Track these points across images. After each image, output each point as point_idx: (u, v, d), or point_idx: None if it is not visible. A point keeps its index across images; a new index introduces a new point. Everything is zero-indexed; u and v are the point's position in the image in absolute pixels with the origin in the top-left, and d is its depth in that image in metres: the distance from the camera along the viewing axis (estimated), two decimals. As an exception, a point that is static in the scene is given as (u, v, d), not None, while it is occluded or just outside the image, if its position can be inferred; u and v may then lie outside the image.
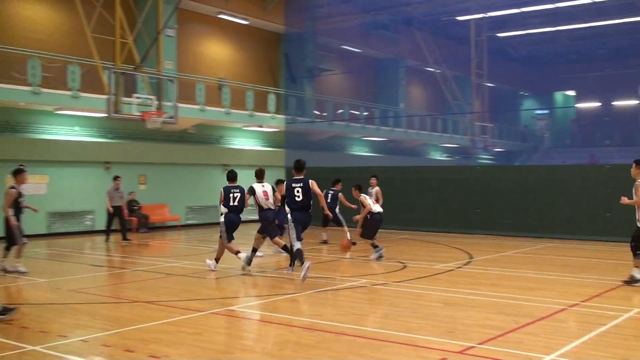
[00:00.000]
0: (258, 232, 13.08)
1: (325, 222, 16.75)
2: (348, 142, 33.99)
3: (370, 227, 14.24)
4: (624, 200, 10.70)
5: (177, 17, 24.04)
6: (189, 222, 24.82)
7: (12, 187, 12.08)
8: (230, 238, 12.37)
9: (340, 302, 9.60)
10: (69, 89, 19.88)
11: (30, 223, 19.71)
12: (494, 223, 20.01)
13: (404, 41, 36.24)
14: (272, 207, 12.89)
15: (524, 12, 34.85)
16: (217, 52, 28.44)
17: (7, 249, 12.29)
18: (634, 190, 10.46)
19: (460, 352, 6.57)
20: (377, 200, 15.93)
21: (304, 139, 29.66)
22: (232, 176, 12.61)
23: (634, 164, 10.57)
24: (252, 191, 12.61)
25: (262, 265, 13.49)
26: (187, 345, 6.98)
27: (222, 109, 24.91)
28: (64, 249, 17.10)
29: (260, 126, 26.76)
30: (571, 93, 51.85)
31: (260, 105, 26.62)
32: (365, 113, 33.85)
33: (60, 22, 22.38)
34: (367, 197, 14.80)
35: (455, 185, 21.29)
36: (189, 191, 24.79)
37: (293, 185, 11.43)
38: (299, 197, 11.30)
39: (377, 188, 17.30)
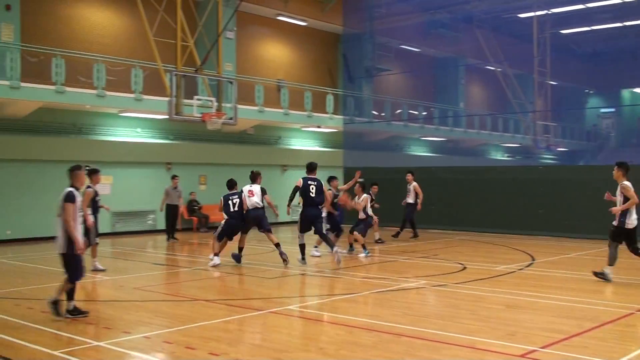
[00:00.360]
0: (242, 232, 13.48)
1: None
2: (406, 142, 33.73)
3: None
4: (611, 201, 11.14)
5: (236, 20, 24.34)
6: (248, 222, 25.07)
7: (89, 187, 12.41)
8: (221, 238, 13.25)
9: (399, 303, 9.52)
10: (132, 92, 20.39)
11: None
12: (557, 224, 19.52)
13: (464, 39, 35.71)
14: (259, 206, 13.37)
15: (588, 7, 33.86)
16: (276, 54, 28.66)
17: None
18: (618, 192, 10.87)
19: (522, 356, 6.43)
20: (416, 196, 16.46)
21: (362, 139, 29.59)
22: (231, 184, 13.79)
23: (615, 167, 10.89)
24: (241, 194, 13.46)
25: (320, 265, 13.52)
26: (246, 343, 7.05)
27: (281, 110, 25.09)
28: (127, 247, 17.53)
29: (319, 127, 26.83)
30: (639, 90, 50.10)
31: (319, 105, 26.70)
32: (424, 113, 33.52)
33: (124, 26, 22.98)
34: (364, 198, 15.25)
35: (517, 185, 20.86)
36: (248, 192, 25.04)
37: (309, 182, 13.06)
38: (312, 193, 12.93)
39: (414, 184, 17.58)
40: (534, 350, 6.61)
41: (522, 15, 36.00)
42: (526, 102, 40.09)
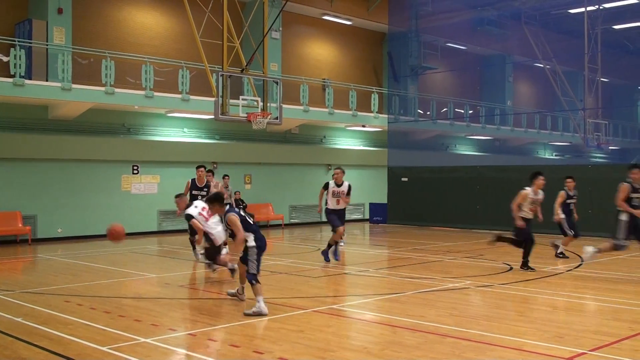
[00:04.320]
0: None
1: None
2: (452, 141, 33.38)
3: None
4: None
5: (282, 20, 24.47)
6: (292, 221, 25.21)
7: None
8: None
9: (444, 304, 9.42)
10: (180, 92, 20.69)
11: (142, 221, 20.72)
12: (607, 224, 18.99)
13: (512, 36, 35.14)
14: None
15: (641, 2, 32.96)
16: (321, 53, 28.70)
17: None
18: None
19: (570, 359, 6.29)
20: None
21: (407, 138, 29.40)
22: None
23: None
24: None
25: (365, 264, 13.48)
26: (290, 342, 7.07)
27: (326, 109, 25.11)
28: (173, 246, 17.78)
29: (363, 126, 26.77)
30: (694, 87, 48.50)
31: (363, 104, 26.64)
32: (470, 111, 33.12)
33: (172, 28, 23.32)
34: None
35: (566, 184, 20.40)
36: (292, 191, 25.21)
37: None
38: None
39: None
40: (583, 353, 6.46)
41: (572, 11, 35.21)
42: (576, 99, 39.20)
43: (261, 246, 8.63)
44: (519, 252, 12.73)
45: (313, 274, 12.15)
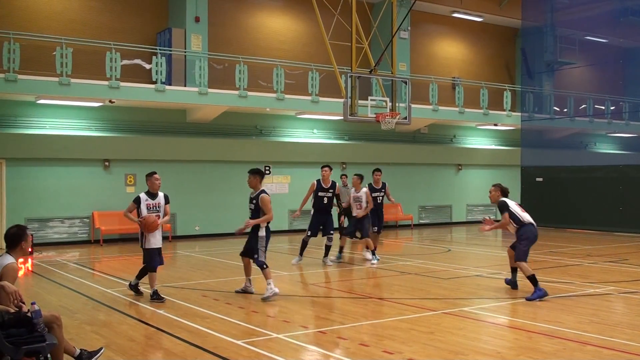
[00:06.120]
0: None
1: None
2: (592, 139, 31.65)
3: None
4: None
5: (410, 19, 24.26)
6: (421, 221, 24.91)
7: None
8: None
9: (583, 310, 8.92)
10: (309, 94, 21.05)
11: (274, 220, 21.20)
12: None
13: (658, 27, 32.83)
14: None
15: None
16: (450, 51, 28.18)
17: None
18: None
19: None
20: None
21: (542, 137, 28.21)
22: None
23: None
24: None
25: (498, 267, 13.07)
26: (420, 343, 6.97)
27: (456, 108, 24.61)
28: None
29: (495, 124, 25.99)
30: None
31: (495, 103, 25.86)
32: (612, 107, 31.24)
33: (301, 31, 23.79)
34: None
35: None
36: (421, 191, 24.92)
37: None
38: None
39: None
40: None
41: None
42: None
43: (269, 237, 9.73)
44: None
45: (443, 275, 11.93)
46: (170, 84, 19.06)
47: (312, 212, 13.65)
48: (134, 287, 10.03)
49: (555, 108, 29.56)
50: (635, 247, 16.88)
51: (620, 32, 32.47)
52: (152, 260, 9.63)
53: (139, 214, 9.51)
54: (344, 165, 22.77)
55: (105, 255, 16.08)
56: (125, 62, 18.52)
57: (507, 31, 29.53)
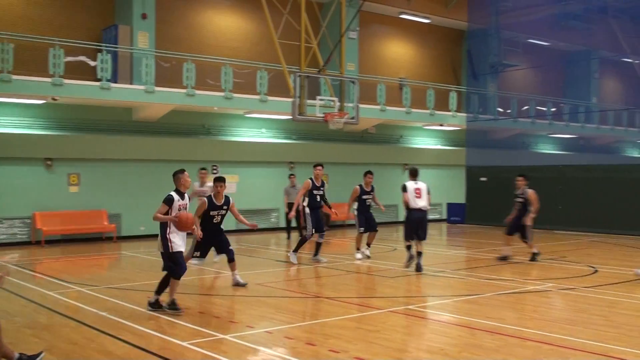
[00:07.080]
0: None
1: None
2: (533, 139, 32.48)
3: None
4: None
5: (359, 20, 24.43)
6: (370, 221, 25.10)
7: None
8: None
9: (524, 306, 9.16)
10: (258, 94, 20.97)
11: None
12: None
13: (598, 31, 33.82)
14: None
15: None
16: (398, 52, 28.49)
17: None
18: None
19: (661, 367, 5.99)
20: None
21: (486, 137, 28.81)
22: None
23: None
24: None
25: (442, 265, 13.28)
26: (366, 342, 7.03)
27: (403, 109, 24.90)
28: (251, 244, 18.04)
29: (441, 125, 26.41)
30: None
31: (441, 103, 26.27)
32: (553, 109, 32.11)
33: (250, 30, 23.69)
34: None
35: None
36: (369, 190, 25.11)
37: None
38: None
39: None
40: (675, 362, 6.14)
41: (663, 3, 33.56)
42: (667, 95, 37.38)
43: None
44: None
45: (389, 274, 12.07)
46: (116, 82, 18.72)
47: (307, 211, 13.78)
48: (155, 304, 8.73)
49: (499, 109, 30.22)
50: (573, 244, 17.40)
51: (562, 36, 33.41)
52: (179, 266, 8.63)
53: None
54: (292, 165, 22.78)
55: (47, 256, 15.70)
56: (69, 58, 18.10)
57: (454, 33, 30.02)
